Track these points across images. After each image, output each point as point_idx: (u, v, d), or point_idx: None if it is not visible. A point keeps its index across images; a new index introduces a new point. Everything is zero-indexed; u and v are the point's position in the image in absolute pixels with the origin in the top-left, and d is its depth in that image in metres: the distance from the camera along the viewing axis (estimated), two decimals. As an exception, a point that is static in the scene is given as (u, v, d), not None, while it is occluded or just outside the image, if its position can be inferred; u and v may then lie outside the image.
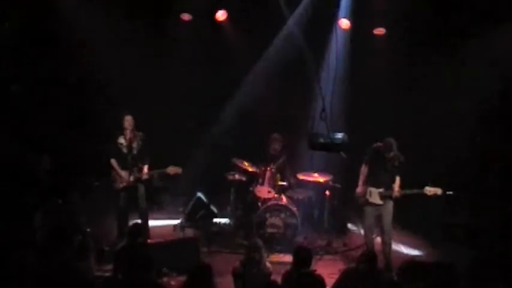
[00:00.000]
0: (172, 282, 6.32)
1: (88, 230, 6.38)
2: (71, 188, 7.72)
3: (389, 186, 7.02)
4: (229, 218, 8.52)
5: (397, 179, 7.00)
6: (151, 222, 7.94)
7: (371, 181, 7.12)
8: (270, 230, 7.70)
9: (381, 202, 7.04)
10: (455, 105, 8.43)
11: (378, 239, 7.32)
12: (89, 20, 8.45)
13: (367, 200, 7.11)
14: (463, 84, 8.36)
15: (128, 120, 7.47)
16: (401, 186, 6.97)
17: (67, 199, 7.39)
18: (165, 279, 6.30)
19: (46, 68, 8.32)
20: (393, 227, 7.29)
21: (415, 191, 6.85)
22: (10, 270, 4.59)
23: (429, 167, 7.50)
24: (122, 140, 7.51)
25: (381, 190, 7.03)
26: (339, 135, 5.77)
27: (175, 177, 7.67)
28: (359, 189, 7.20)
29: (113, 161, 7.53)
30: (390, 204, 7.06)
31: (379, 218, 7.14)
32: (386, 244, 7.08)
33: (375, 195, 7.06)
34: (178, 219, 8.52)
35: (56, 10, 8.35)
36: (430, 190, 6.76)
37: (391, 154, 6.96)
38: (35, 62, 8.15)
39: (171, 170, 7.50)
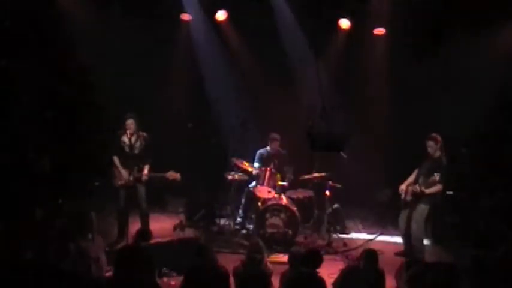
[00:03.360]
0: (172, 282, 6.32)
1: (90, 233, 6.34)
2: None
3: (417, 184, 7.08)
4: (229, 218, 8.51)
5: (432, 180, 6.89)
6: (152, 222, 7.93)
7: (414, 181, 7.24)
8: (270, 230, 7.70)
9: (409, 198, 7.12)
10: (455, 105, 8.43)
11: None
12: (87, 20, 8.46)
13: (405, 200, 7.20)
14: (463, 84, 8.37)
15: (129, 124, 7.49)
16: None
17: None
18: (165, 279, 6.30)
19: (46, 68, 8.32)
20: (393, 227, 7.36)
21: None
22: (11, 269, 4.60)
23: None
24: (125, 139, 7.53)
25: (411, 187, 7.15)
26: (339, 135, 5.77)
27: (174, 181, 7.65)
28: (402, 186, 7.26)
29: (115, 158, 7.54)
30: (421, 208, 7.05)
31: (409, 219, 7.20)
32: (412, 243, 7.13)
33: (410, 193, 7.16)
34: (178, 219, 8.53)
35: (56, 9, 8.35)
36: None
37: (435, 155, 7.04)
38: (34, 61, 8.14)
39: (170, 175, 7.50)
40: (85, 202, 7.63)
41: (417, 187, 6.98)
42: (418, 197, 7.01)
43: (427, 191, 6.90)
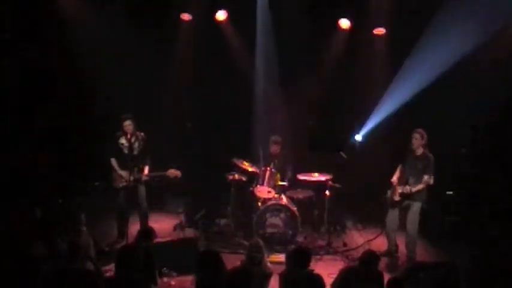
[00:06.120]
0: (172, 282, 6.33)
1: (84, 229, 6.32)
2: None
3: (407, 185, 7.10)
4: (229, 218, 8.51)
5: (424, 178, 6.89)
6: (152, 222, 7.93)
7: (400, 180, 7.25)
8: (270, 230, 7.70)
9: (398, 199, 7.18)
10: (455, 105, 8.42)
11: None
12: (88, 20, 8.46)
13: (393, 199, 7.26)
14: (464, 84, 8.35)
15: (127, 125, 7.47)
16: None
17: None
18: (165, 279, 6.30)
19: (46, 68, 8.33)
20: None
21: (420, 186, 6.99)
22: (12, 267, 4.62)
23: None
24: (123, 140, 7.52)
25: (400, 187, 7.17)
26: (339, 135, 5.79)
27: (175, 179, 7.67)
28: (393, 178, 7.31)
29: (113, 161, 7.55)
30: (415, 206, 7.12)
31: (403, 217, 7.26)
32: (407, 242, 7.24)
33: (397, 193, 7.21)
34: (178, 219, 8.53)
35: (56, 9, 8.37)
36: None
37: (419, 152, 7.06)
38: (35, 61, 8.15)
39: (171, 173, 7.51)
40: (85, 202, 7.67)
41: (408, 188, 7.01)
42: (407, 196, 7.08)
43: (414, 189, 6.98)
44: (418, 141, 7.05)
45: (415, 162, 7.10)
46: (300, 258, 5.12)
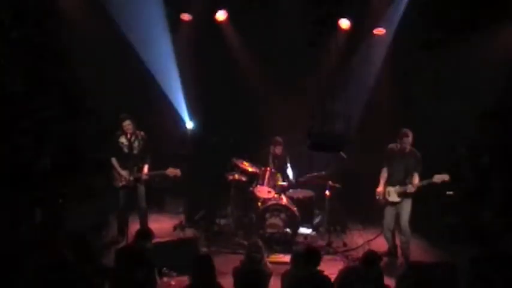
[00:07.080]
0: (172, 282, 6.32)
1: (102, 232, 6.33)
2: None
3: (404, 184, 7.16)
4: (229, 218, 8.51)
5: (415, 176, 7.16)
6: (151, 222, 7.94)
7: (389, 181, 7.31)
8: (270, 230, 7.71)
9: (398, 199, 7.23)
10: (455, 104, 8.42)
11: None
12: (88, 20, 8.46)
13: (387, 200, 7.29)
14: (463, 84, 8.36)
15: (126, 125, 7.47)
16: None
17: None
18: (165, 279, 6.30)
19: (46, 67, 8.32)
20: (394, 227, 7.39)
21: (425, 182, 7.03)
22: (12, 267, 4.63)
23: (429, 167, 7.51)
24: (123, 140, 7.53)
25: (396, 187, 7.20)
26: (339, 135, 5.79)
27: (175, 178, 7.67)
28: (379, 189, 7.35)
29: (113, 160, 7.55)
30: (408, 203, 7.22)
31: (397, 217, 7.31)
32: (403, 243, 7.29)
33: (392, 193, 7.26)
34: (178, 219, 8.53)
35: (56, 9, 8.36)
36: (438, 177, 6.91)
37: (407, 149, 7.15)
38: (34, 61, 8.14)
39: (171, 171, 7.52)
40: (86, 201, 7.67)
41: (411, 188, 7.07)
42: (406, 193, 7.14)
43: (419, 184, 7.07)
44: (409, 143, 7.17)
45: (407, 158, 7.20)
46: (310, 258, 5.14)
